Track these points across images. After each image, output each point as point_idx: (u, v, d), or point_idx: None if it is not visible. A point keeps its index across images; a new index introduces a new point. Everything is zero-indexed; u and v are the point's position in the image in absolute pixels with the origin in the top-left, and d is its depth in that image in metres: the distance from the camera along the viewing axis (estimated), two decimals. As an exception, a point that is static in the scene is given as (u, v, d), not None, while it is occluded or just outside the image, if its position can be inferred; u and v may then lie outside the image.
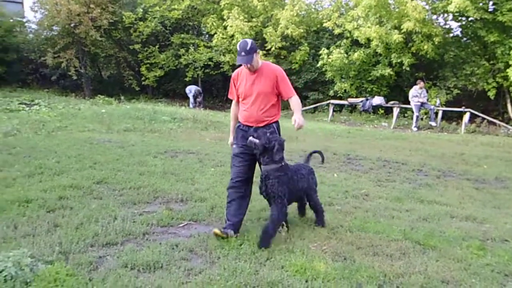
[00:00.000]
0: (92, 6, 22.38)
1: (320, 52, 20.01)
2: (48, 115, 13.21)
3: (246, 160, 4.53)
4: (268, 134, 4.29)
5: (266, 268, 3.73)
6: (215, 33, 22.43)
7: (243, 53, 4.32)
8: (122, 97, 20.94)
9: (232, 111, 4.88)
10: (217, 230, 4.30)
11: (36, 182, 6.04)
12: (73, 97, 21.44)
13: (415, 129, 16.30)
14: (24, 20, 26.41)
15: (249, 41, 4.38)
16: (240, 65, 4.54)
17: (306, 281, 3.51)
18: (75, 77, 23.11)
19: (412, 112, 16.88)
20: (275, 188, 4.29)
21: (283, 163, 4.39)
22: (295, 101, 4.59)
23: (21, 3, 28.97)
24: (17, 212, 4.77)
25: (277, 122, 4.66)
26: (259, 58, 4.53)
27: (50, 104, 16.67)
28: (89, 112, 14.08)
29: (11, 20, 24.91)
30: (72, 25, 22.60)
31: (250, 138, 4.29)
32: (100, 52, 24.95)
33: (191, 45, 23.80)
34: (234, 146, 4.68)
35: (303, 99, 22.05)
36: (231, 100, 4.85)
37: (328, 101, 19.70)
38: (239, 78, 4.65)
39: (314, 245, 4.29)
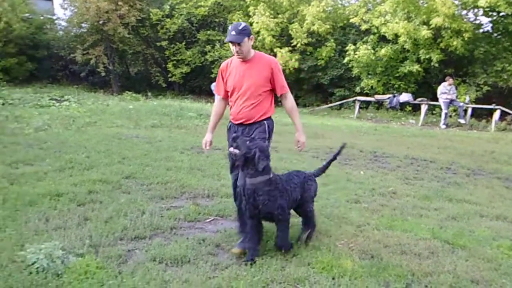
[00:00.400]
0: (120, 3, 22.66)
1: (347, 48, 19.84)
2: (78, 111, 13.48)
3: None
4: (248, 142, 3.73)
5: (292, 264, 3.73)
6: (241, 29, 22.41)
7: (233, 32, 3.92)
8: (149, 94, 21.20)
9: (214, 107, 4.43)
10: (235, 250, 3.98)
11: (66, 176, 6.18)
12: (102, 93, 21.81)
13: (444, 126, 15.99)
14: (54, 17, 26.98)
15: (244, 23, 4.02)
16: (230, 57, 4.17)
17: (333, 278, 3.50)
18: (103, 74, 23.48)
19: (441, 109, 16.55)
20: (270, 206, 3.75)
21: (271, 175, 3.81)
22: (291, 104, 4.21)
23: (51, 0, 29.55)
24: (49, 206, 4.90)
25: (269, 118, 4.20)
26: (251, 46, 4.07)
27: (79, 100, 17.01)
28: (117, 108, 14.32)
29: (42, 18, 25.48)
30: (100, 22, 22.96)
31: (230, 149, 3.79)
32: (128, 49, 25.29)
33: (217, 41, 23.90)
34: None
35: (329, 96, 21.95)
36: None
37: (354, 98, 19.50)
38: (228, 69, 4.19)
39: (341, 242, 4.27)
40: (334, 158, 4.65)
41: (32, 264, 3.45)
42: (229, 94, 4.22)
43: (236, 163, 3.88)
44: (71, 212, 4.74)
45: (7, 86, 19.21)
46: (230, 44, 3.98)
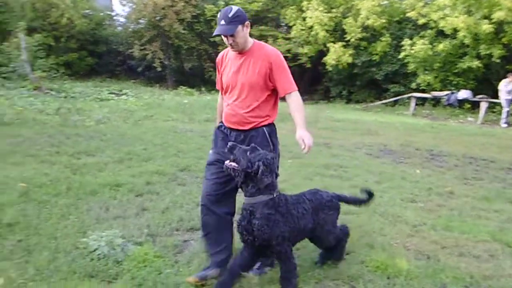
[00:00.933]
0: (176, -1, 23.18)
1: (403, 43, 19.33)
2: (135, 104, 13.95)
3: (222, 171, 3.20)
4: (248, 153, 3.01)
5: (346, 262, 3.71)
6: (294, 24, 22.39)
7: (223, 21, 3.14)
8: (203, 89, 21.55)
9: (218, 106, 3.70)
10: (191, 279, 3.24)
11: (125, 167, 6.42)
12: (157, 87, 22.40)
13: (505, 125, 15.30)
14: (113, 13, 27.96)
15: (235, 8, 3.20)
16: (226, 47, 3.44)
17: (388, 278, 3.45)
18: (159, 69, 24.10)
19: (501, 107, 15.86)
20: (268, 233, 3.00)
21: (275, 194, 3.07)
22: (295, 102, 3.30)
23: (110, -4, 30.64)
24: (109, 195, 5.11)
25: (269, 125, 3.41)
26: (248, 35, 3.29)
27: (136, 94, 17.57)
28: (172, 102, 14.68)
29: (101, 14, 26.49)
30: (157, 18, 23.57)
31: (226, 163, 3.05)
32: (183, 45, 25.80)
33: (270, 37, 23.93)
34: (210, 152, 3.53)
35: (383, 92, 21.49)
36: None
37: (410, 94, 19.00)
38: (223, 62, 3.47)
39: (396, 242, 4.20)
40: (362, 202, 3.80)
41: (94, 250, 3.61)
42: (223, 91, 3.54)
43: (236, 180, 3.09)
44: (130, 202, 4.93)
45: (69, 80, 20.14)
46: (222, 36, 3.24)
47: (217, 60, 3.54)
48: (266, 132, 3.35)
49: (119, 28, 27.77)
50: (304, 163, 7.40)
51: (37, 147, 7.27)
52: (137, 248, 3.72)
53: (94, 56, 25.11)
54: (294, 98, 3.31)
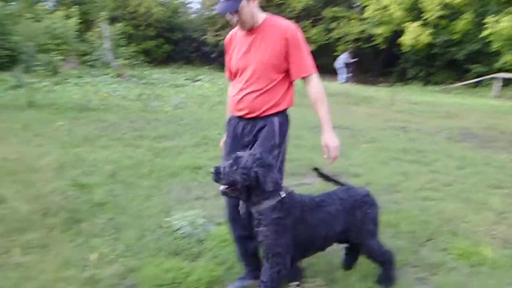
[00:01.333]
0: (248, -16, 23.31)
1: (486, 20, 18.17)
2: (210, 90, 14.28)
3: None
4: (235, 168, 2.59)
5: (427, 249, 3.63)
6: (368, 4, 21.77)
7: None
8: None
9: (228, 97, 3.16)
10: None
11: (202, 151, 6.64)
12: (230, 73, 22.77)
13: None
14: (187, 1, 28.73)
15: None
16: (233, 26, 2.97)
17: (472, 266, 3.34)
18: (232, 54, 24.46)
19: None
20: (269, 240, 2.64)
21: (281, 196, 2.65)
22: (315, 90, 2.86)
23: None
24: (189, 177, 5.32)
25: (281, 114, 2.92)
26: (256, 10, 2.81)
27: (211, 80, 17.94)
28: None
29: (176, 2, 27.29)
30: (230, 3, 23.87)
31: (221, 189, 2.70)
32: (254, 30, 26.00)
33: (343, 18, 23.46)
34: (223, 155, 3.17)
35: (464, 72, 20.42)
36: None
37: (493, 75, 17.90)
38: (232, 44, 2.99)
39: (480, 229, 4.03)
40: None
41: (177, 230, 3.79)
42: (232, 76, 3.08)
43: (240, 198, 2.73)
44: (209, 185, 5.08)
45: (148, 67, 20.98)
46: (227, 15, 2.79)
47: (225, 42, 3.06)
48: (277, 123, 2.88)
49: (193, 15, 28.46)
50: (380, 147, 7.26)
51: (122, 132, 7.69)
52: (218, 228, 3.86)
53: (171, 43, 25.96)
54: (314, 85, 2.85)
